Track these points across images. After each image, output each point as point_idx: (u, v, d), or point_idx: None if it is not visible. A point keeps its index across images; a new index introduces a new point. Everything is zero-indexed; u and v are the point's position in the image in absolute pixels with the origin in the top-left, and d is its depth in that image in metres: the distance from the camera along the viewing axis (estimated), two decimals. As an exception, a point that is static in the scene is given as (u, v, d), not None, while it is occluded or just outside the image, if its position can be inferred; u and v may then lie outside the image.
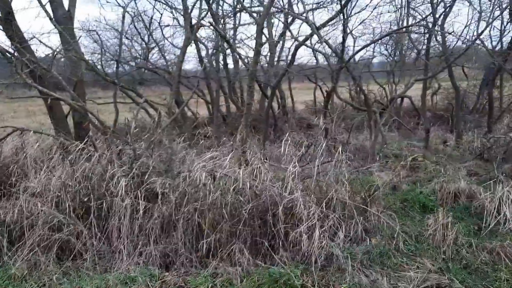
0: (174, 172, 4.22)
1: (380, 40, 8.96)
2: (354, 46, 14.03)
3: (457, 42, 8.02)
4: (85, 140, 5.05)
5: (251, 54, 9.73)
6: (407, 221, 4.59)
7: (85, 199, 4.11)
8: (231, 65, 12.14)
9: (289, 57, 8.26)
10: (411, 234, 4.16)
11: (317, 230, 3.61)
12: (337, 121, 10.70)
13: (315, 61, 15.47)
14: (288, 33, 9.07)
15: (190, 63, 29.13)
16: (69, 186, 4.25)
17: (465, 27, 8.32)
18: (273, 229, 3.82)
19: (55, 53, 5.35)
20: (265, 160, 4.18)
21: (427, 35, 9.02)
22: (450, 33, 6.94)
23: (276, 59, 12.05)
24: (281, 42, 10.01)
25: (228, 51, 10.76)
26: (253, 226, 3.85)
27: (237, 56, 8.72)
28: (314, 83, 15.86)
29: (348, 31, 8.55)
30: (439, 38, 8.71)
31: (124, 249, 3.91)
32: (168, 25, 12.30)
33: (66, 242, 3.99)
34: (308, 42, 8.73)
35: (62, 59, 7.22)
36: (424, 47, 10.72)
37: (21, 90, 9.01)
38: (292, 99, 16.04)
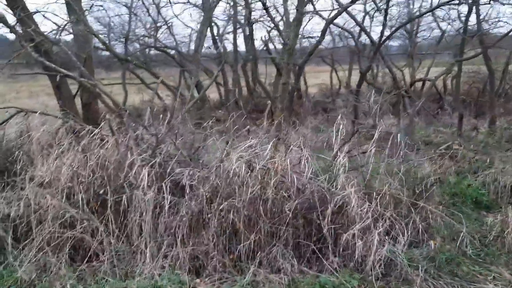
0: (201, 162, 3.68)
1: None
2: (371, 26, 13.34)
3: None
4: (98, 123, 4.52)
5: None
6: (463, 219, 4.05)
7: (101, 191, 3.58)
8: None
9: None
10: (474, 236, 3.62)
11: (376, 233, 3.07)
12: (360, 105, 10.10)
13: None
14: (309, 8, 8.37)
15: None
16: (81, 176, 3.72)
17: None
18: (319, 230, 3.30)
19: (64, 26, 4.74)
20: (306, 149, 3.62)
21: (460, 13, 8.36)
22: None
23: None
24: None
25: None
26: (296, 226, 3.32)
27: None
28: (331, 66, 15.19)
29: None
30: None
31: (146, 250, 3.40)
32: (178, 2, 11.57)
33: (80, 241, 3.49)
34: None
35: (68, 36, 6.59)
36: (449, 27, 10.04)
37: (24, 70, 8.43)
38: (305, 82, 15.39)
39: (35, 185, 3.83)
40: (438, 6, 6.29)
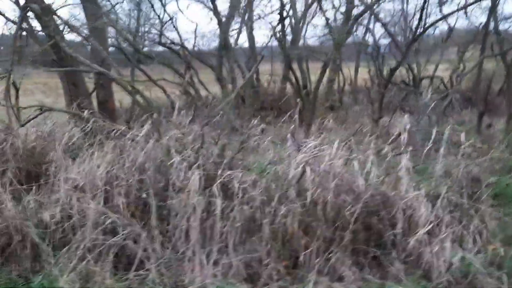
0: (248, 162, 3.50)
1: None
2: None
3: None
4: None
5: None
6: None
7: (143, 195, 3.38)
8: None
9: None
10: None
11: (442, 238, 2.92)
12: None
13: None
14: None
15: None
16: (121, 179, 3.51)
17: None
18: (379, 235, 3.14)
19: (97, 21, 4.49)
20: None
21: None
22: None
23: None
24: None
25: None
26: (354, 231, 3.15)
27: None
28: (324, 63, 14.94)
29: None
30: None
31: (195, 257, 3.20)
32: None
33: (122, 248, 3.28)
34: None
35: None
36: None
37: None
38: (309, 79, 15.23)
39: (69, 189, 3.62)
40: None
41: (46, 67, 6.17)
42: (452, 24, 12.30)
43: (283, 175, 3.16)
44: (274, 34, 10.25)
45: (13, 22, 7.68)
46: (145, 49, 11.52)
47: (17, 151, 4.25)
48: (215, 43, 12.39)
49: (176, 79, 13.11)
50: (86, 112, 4.18)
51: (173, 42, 11.74)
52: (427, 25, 6.90)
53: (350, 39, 13.55)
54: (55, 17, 4.95)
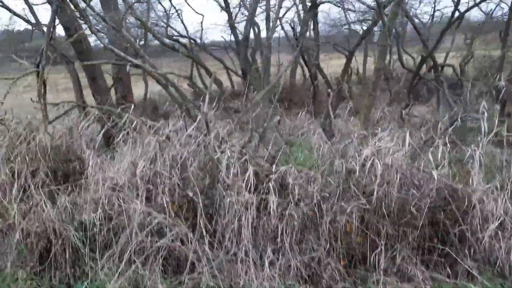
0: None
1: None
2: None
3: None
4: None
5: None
6: None
7: (190, 193, 3.18)
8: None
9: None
10: None
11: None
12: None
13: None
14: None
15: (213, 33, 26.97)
16: (164, 177, 3.30)
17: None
18: (446, 231, 2.96)
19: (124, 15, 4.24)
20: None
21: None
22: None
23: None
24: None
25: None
26: (419, 227, 2.96)
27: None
28: (350, 53, 14.57)
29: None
30: None
31: (248, 258, 3.01)
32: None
33: (170, 250, 3.09)
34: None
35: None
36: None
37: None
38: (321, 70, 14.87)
39: (108, 188, 3.41)
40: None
41: (70, 62, 5.92)
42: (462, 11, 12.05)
43: (339, 169, 2.96)
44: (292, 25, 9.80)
45: (18, 16, 7.44)
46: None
47: (46, 150, 4.03)
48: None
49: (182, 72, 12.90)
50: (120, 107, 3.95)
51: (181, 35, 11.49)
52: (466, 7, 6.63)
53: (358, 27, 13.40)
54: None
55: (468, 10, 6.94)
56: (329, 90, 5.27)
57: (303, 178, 3.04)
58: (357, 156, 2.91)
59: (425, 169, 3.05)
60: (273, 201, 3.00)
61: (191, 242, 3.11)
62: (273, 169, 3.09)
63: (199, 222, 3.19)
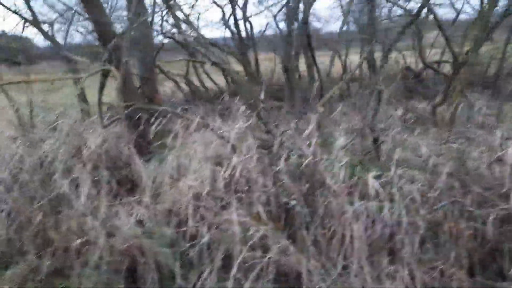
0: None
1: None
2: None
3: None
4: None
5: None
6: None
7: (293, 202, 2.89)
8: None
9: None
10: None
11: None
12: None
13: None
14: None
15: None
16: (258, 184, 3.00)
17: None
18: None
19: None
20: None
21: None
22: None
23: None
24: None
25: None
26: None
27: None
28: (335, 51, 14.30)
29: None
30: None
31: (363, 271, 2.75)
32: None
33: (280, 265, 2.78)
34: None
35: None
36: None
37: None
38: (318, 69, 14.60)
39: (191, 198, 3.08)
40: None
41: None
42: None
43: (463, 170, 2.75)
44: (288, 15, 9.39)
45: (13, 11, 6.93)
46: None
47: (100, 158, 3.64)
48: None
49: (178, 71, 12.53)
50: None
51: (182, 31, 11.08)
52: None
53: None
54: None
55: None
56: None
57: (420, 182, 2.81)
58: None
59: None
60: (388, 208, 2.76)
61: (293, 255, 2.83)
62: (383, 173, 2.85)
63: (300, 233, 2.92)
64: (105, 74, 3.41)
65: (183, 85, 12.06)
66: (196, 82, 13.23)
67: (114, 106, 4.50)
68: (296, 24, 7.33)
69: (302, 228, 2.92)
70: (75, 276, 2.82)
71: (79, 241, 2.87)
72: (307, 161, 2.93)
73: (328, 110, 3.89)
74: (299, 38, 7.20)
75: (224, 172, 3.16)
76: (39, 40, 19.12)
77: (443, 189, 2.78)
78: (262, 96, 3.35)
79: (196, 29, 3.11)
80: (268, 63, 13.35)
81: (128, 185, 3.81)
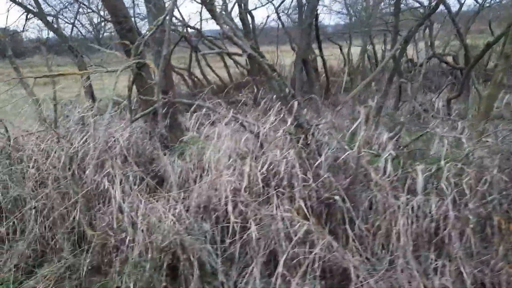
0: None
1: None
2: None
3: None
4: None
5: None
6: None
7: (336, 197, 2.83)
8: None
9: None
10: None
11: None
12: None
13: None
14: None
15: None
16: (299, 178, 2.93)
17: None
18: None
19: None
20: None
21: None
22: None
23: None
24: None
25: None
26: None
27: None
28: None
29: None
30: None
31: (410, 266, 2.69)
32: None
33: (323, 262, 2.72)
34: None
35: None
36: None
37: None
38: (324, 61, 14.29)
39: (229, 193, 3.00)
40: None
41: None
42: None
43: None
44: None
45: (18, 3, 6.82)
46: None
47: (128, 151, 3.56)
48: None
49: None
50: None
51: (186, 24, 10.91)
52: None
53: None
54: None
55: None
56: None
57: (469, 176, 2.74)
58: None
59: None
60: (434, 202, 2.71)
61: (337, 251, 2.77)
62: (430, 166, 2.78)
63: (342, 228, 2.87)
64: (139, 68, 3.32)
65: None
66: (199, 75, 13.14)
67: (135, 100, 4.41)
68: (305, 17, 7.26)
69: (344, 223, 2.86)
70: (115, 273, 2.76)
71: (117, 238, 2.81)
72: (346, 154, 2.86)
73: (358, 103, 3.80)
74: (308, 30, 7.11)
75: (262, 167, 3.09)
76: (30, 34, 18.90)
77: (491, 182, 2.71)
78: (289, 90, 3.27)
79: (231, 25, 3.01)
80: (270, 56, 13.26)
81: (155, 180, 3.74)
